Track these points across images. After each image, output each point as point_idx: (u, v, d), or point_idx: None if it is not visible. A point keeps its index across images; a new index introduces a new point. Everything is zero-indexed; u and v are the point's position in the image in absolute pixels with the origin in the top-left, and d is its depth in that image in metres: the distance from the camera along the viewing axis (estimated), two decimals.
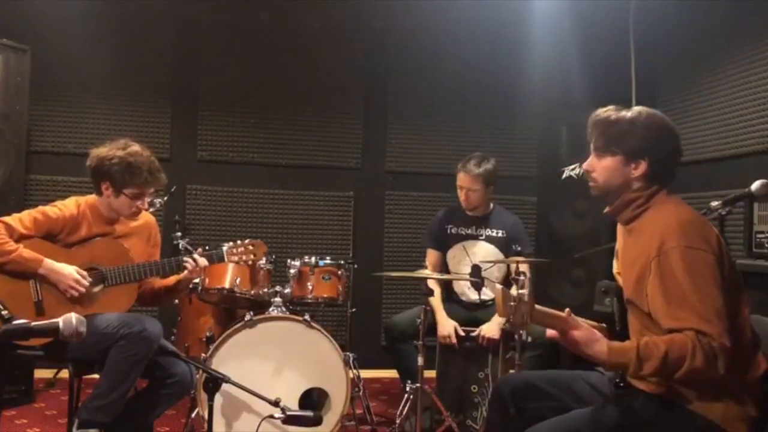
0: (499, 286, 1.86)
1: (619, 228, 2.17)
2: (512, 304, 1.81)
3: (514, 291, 1.84)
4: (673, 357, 1.75)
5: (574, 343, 1.85)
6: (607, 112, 2.08)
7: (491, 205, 3.95)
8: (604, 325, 2.11)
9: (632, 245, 2.04)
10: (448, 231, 3.91)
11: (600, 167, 2.07)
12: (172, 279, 3.06)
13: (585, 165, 2.12)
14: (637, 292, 1.96)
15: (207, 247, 3.11)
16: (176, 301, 3.94)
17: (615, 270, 2.19)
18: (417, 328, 3.30)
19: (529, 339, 1.73)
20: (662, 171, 2.03)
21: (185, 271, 2.95)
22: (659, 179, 2.03)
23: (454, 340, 3.55)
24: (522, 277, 1.88)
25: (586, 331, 1.86)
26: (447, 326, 3.60)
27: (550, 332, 1.92)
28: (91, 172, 2.93)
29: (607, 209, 2.12)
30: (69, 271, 2.76)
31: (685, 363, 1.75)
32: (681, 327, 1.79)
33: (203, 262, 2.95)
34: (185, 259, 2.93)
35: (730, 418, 1.86)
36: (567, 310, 1.90)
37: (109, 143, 2.96)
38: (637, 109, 2.06)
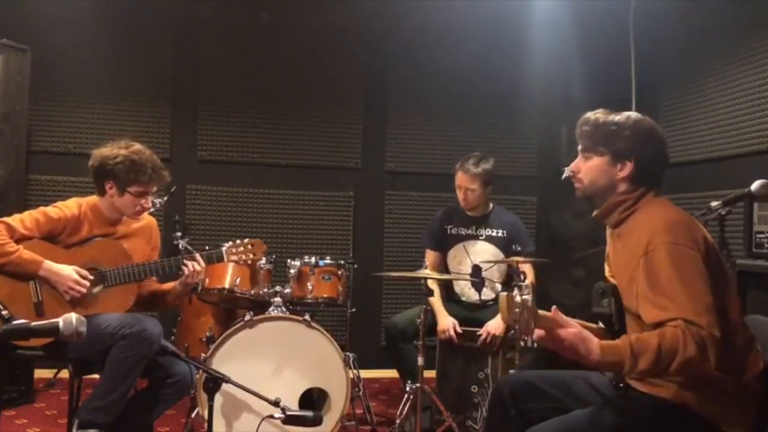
0: (503, 293, 1.81)
1: (608, 231, 2.16)
2: (517, 310, 1.78)
3: (517, 297, 1.78)
4: (666, 349, 1.73)
5: (561, 342, 1.77)
6: (597, 114, 2.10)
7: (491, 205, 3.95)
8: (602, 325, 2.11)
9: (621, 249, 2.05)
10: (448, 231, 3.91)
11: (586, 167, 2.09)
12: (168, 285, 3.05)
13: (571, 166, 2.13)
14: (629, 296, 1.95)
15: (207, 247, 3.11)
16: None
17: (607, 274, 2.18)
18: (417, 328, 3.30)
19: (535, 345, 1.71)
20: (648, 173, 2.04)
21: (182, 275, 2.94)
22: (645, 181, 2.04)
23: (452, 333, 3.56)
24: (524, 282, 1.84)
25: (575, 330, 1.78)
26: (446, 322, 3.60)
27: (538, 332, 1.79)
28: (93, 172, 2.93)
29: (595, 213, 2.12)
30: (68, 272, 2.76)
31: (678, 353, 1.72)
32: (668, 317, 1.77)
33: (198, 267, 2.93)
34: (184, 261, 2.93)
35: (730, 419, 1.86)
36: (554, 307, 1.81)
37: (110, 143, 2.96)
38: (626, 113, 2.08)
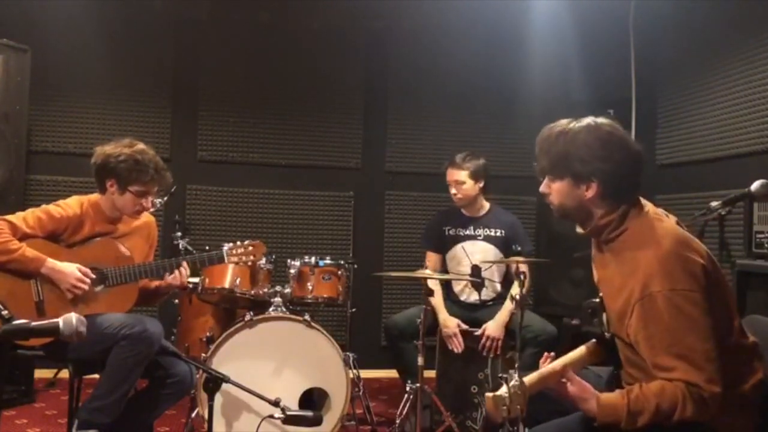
0: (488, 394, 1.79)
1: (594, 241, 2.09)
2: (505, 407, 1.76)
3: (502, 390, 1.77)
4: (664, 409, 1.75)
5: (570, 399, 1.88)
6: (550, 129, 1.97)
7: (488, 205, 3.94)
8: (595, 340, 2.10)
9: (614, 269, 1.96)
10: (446, 232, 3.90)
11: (554, 190, 1.98)
12: (155, 282, 3.07)
13: (541, 188, 2.02)
14: (619, 328, 1.93)
15: (207, 248, 3.12)
16: (176, 300, 3.95)
17: (596, 279, 2.13)
18: (417, 327, 3.29)
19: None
20: (619, 187, 1.91)
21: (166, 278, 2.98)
22: (619, 197, 1.92)
23: (460, 339, 3.56)
24: (507, 374, 1.82)
25: (577, 387, 1.86)
26: (450, 325, 3.60)
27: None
28: (96, 170, 2.93)
29: (580, 230, 2.03)
30: (71, 270, 2.76)
31: (676, 413, 1.74)
32: (670, 378, 1.77)
33: (180, 275, 2.97)
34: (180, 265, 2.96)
35: (730, 426, 1.85)
36: (561, 364, 1.92)
37: (114, 142, 2.96)
38: (584, 122, 1.93)
